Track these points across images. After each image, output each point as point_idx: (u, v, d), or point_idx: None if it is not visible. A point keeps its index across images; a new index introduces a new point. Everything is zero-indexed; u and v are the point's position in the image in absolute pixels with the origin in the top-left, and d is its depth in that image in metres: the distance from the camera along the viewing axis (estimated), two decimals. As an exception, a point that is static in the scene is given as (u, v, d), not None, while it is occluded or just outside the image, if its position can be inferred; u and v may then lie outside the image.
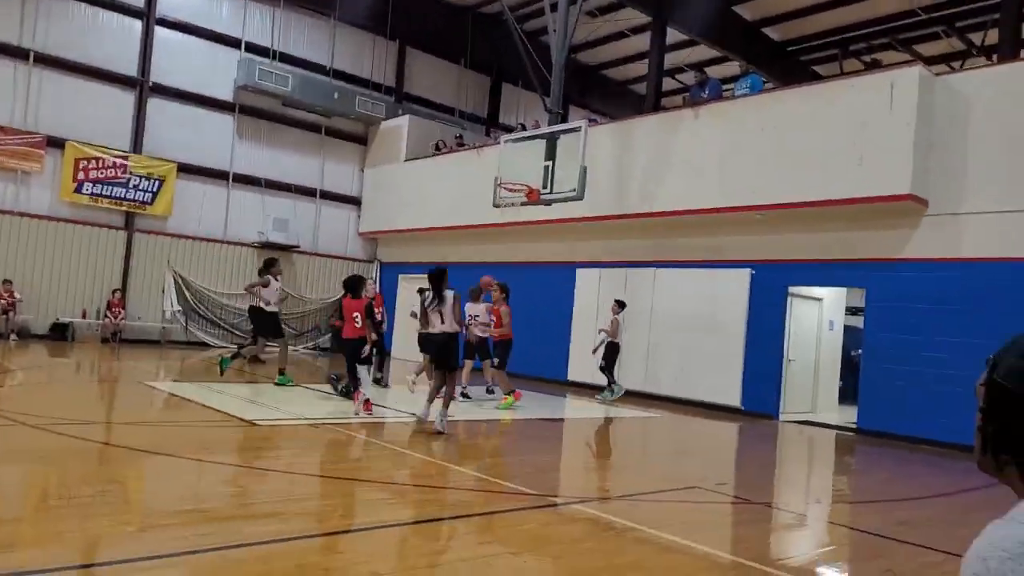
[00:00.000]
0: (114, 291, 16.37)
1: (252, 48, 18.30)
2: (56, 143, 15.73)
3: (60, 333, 15.61)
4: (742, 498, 6.06)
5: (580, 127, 12.30)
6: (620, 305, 12.95)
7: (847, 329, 14.58)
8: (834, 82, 12.03)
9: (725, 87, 14.17)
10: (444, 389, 8.01)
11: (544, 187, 12.70)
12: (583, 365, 14.44)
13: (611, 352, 12.75)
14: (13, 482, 4.80)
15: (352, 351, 8.70)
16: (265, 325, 11.05)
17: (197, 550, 3.61)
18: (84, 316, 16.10)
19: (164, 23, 17.14)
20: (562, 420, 10.82)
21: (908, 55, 16.87)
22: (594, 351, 12.99)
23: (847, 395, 13.81)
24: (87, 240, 16.21)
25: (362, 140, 20.55)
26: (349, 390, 9.37)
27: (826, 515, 6.12)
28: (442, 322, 7.93)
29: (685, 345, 13.15)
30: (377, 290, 11.25)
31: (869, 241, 11.14)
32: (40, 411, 7.03)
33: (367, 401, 8.42)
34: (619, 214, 13.69)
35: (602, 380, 13.04)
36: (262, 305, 10.88)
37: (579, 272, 15.17)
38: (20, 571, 3.09)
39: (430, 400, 8.07)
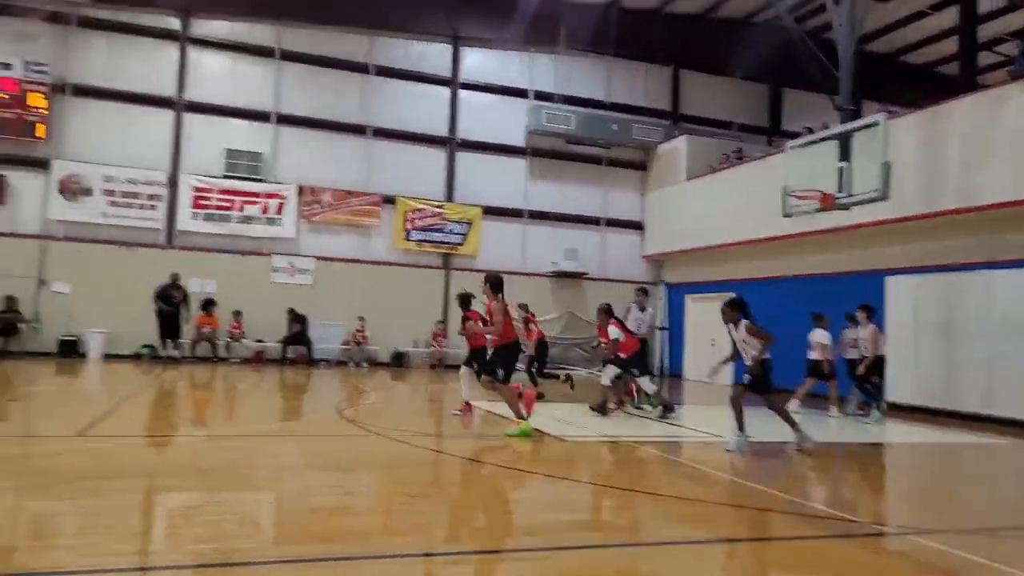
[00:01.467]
0: (437, 323, 18.82)
1: (539, 95, 19.97)
2: (389, 200, 18.77)
3: (398, 361, 18.32)
4: None
5: (878, 121, 11.29)
6: (869, 312, 11.42)
7: None
8: None
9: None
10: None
11: (839, 191, 11.85)
12: (904, 383, 12.97)
13: (879, 366, 11.37)
14: (370, 482, 5.88)
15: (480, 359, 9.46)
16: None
17: (521, 549, 4.11)
18: (415, 346, 18.73)
19: (466, 86, 19.57)
20: (881, 445, 9.86)
21: None
22: (857, 372, 11.44)
23: None
24: (415, 280, 18.90)
25: (641, 166, 21.04)
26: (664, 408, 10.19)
27: None
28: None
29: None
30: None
31: None
32: (389, 424, 8.44)
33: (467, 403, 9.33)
34: (933, 212, 12.19)
35: (927, 400, 11.62)
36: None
37: (888, 281, 13.71)
38: (375, 554, 3.83)
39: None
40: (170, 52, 17.49)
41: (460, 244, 19.34)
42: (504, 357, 8.18)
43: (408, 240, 18.94)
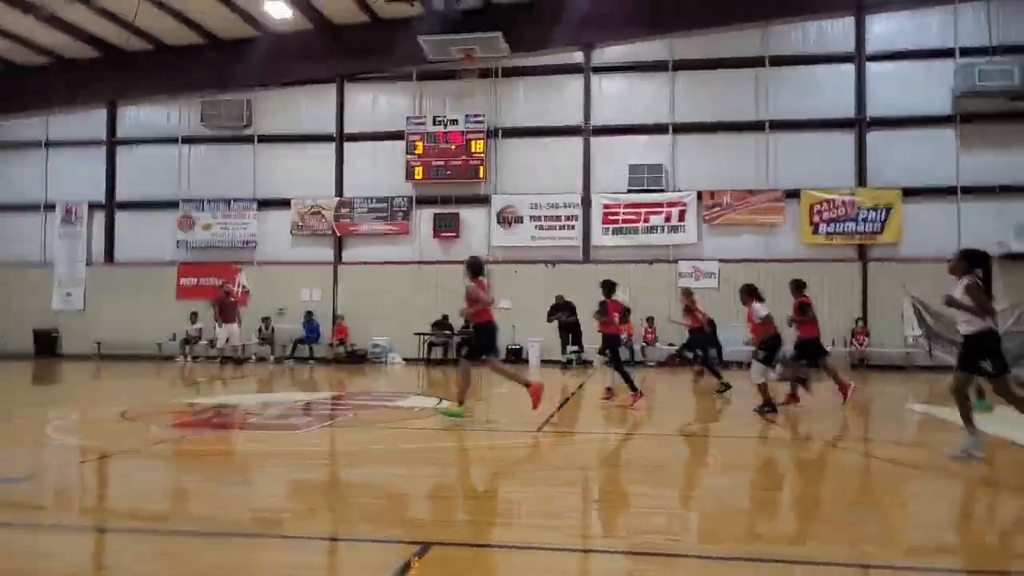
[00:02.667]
0: (856, 320, 17.36)
1: (966, 52, 17.16)
2: (792, 194, 18.04)
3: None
4: None
5: None
6: None
7: None
8: None
9: None
10: None
11: None
12: None
13: None
14: (794, 486, 5.81)
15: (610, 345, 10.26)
16: None
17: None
18: (833, 344, 17.51)
19: (874, 58, 17.87)
20: None
21: None
22: None
23: None
24: (826, 276, 17.64)
25: None
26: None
27: None
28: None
29: None
30: None
31: None
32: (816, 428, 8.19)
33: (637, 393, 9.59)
34: None
35: None
36: None
37: None
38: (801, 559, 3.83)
39: None
40: (575, 84, 19.52)
41: (878, 232, 17.57)
42: (479, 335, 8.43)
43: (816, 234, 17.90)
